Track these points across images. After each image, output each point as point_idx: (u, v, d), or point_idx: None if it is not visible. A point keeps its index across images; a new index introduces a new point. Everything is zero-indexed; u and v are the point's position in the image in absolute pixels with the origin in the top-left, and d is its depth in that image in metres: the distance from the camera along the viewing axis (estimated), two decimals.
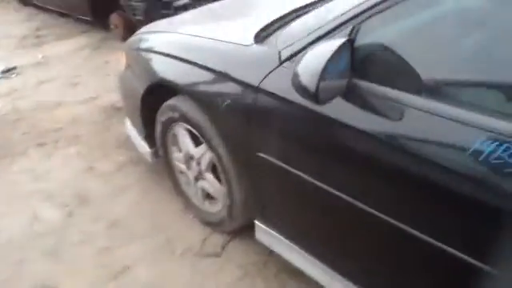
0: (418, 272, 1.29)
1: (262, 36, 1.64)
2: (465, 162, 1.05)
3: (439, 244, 1.13)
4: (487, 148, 1.01)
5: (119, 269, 2.01)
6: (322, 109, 1.28)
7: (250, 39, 1.63)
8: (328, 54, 1.13)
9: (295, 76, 1.22)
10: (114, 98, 3.51)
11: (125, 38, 4.93)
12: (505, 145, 1.00)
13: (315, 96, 1.16)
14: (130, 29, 4.76)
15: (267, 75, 1.48)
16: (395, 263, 1.35)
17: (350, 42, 1.19)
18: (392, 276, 1.38)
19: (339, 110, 1.27)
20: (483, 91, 1.18)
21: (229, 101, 1.60)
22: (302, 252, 1.66)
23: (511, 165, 0.98)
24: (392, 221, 1.21)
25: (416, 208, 1.19)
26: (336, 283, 1.55)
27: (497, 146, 1.01)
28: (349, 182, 1.34)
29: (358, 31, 1.24)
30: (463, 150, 1.05)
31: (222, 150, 1.78)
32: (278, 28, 1.66)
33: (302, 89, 1.20)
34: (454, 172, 1.08)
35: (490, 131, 1.02)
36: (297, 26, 1.54)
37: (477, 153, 1.02)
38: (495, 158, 1.00)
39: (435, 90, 1.21)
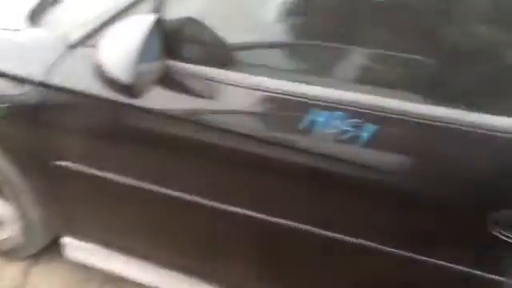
0: (240, 248, 1.28)
1: (36, 17, 1.34)
2: (297, 134, 1.01)
3: (291, 223, 1.10)
4: (319, 118, 0.99)
5: None
6: (129, 99, 1.07)
7: (22, 22, 1.32)
8: (139, 36, 0.94)
9: (99, 67, 0.99)
10: None
11: None
12: (337, 112, 0.98)
13: (129, 88, 0.96)
14: None
15: (54, 66, 1.21)
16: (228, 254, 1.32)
17: (160, 17, 1.01)
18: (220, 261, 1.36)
19: (148, 97, 1.08)
20: (302, 58, 1.15)
21: (6, 104, 1.28)
22: (125, 257, 1.51)
23: (346, 132, 0.97)
24: (231, 208, 1.15)
25: (250, 189, 1.14)
26: (165, 279, 1.48)
27: (329, 114, 0.98)
28: (168, 173, 1.23)
29: (161, 5, 1.07)
30: (294, 122, 1.01)
31: (4, 165, 1.44)
32: (55, 4, 1.38)
33: (110, 82, 0.98)
34: (288, 147, 1.03)
35: (319, 100, 0.99)
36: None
37: (309, 124, 0.99)
38: (329, 127, 0.98)
39: (250, 63, 1.14)
